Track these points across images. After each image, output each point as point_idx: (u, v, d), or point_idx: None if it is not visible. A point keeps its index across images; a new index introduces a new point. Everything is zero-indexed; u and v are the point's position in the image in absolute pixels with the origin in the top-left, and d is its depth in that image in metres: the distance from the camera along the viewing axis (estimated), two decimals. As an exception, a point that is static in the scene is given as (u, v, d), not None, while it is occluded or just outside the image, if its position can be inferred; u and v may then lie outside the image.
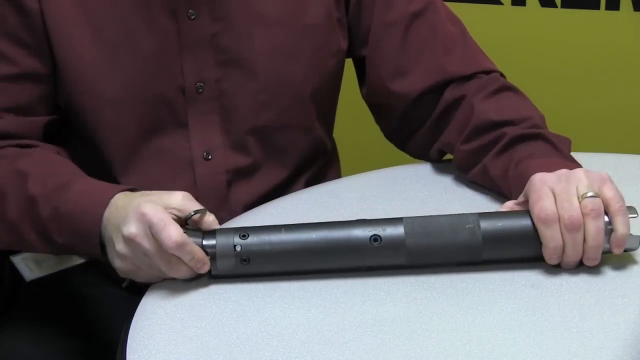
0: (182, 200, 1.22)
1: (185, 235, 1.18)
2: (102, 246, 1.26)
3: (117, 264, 1.23)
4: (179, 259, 1.19)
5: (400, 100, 1.51)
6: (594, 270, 1.23)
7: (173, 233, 1.18)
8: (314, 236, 1.21)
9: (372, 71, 1.52)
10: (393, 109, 1.53)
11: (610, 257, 1.24)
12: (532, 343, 1.11)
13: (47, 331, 1.48)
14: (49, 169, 1.33)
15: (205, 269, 1.20)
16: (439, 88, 1.49)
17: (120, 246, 1.21)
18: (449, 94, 1.48)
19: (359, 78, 1.57)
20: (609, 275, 1.23)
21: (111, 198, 1.25)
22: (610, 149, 1.64)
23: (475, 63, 1.51)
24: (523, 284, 1.21)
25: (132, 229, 1.19)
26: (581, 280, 1.21)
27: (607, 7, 2.23)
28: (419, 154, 1.55)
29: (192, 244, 1.19)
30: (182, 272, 1.20)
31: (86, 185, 1.29)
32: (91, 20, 1.40)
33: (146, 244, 1.19)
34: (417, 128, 1.52)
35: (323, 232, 1.22)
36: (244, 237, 1.19)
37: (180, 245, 1.18)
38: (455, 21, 1.54)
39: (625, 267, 1.24)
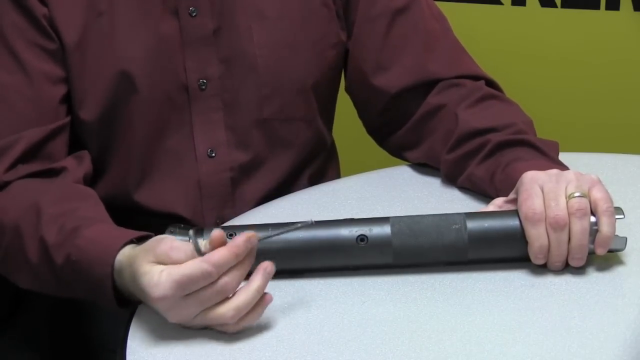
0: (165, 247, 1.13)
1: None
2: (122, 297, 1.20)
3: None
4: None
5: (380, 95, 1.51)
6: (594, 270, 1.23)
7: (191, 266, 1.09)
8: (300, 235, 1.21)
9: (354, 64, 1.53)
10: (373, 104, 1.53)
11: (611, 257, 1.24)
12: (532, 343, 1.11)
13: (49, 331, 1.48)
14: (65, 206, 1.29)
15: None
16: (420, 88, 1.49)
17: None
18: (431, 99, 1.49)
19: (343, 70, 1.57)
20: (609, 275, 1.23)
21: (118, 251, 1.18)
22: (609, 149, 1.64)
23: (458, 65, 1.51)
24: (523, 284, 1.22)
25: (172, 319, 1.12)
26: (581, 280, 1.21)
27: (607, 7, 2.23)
28: (397, 154, 1.56)
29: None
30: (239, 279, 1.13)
31: (96, 231, 1.23)
32: (96, 23, 1.40)
33: (198, 304, 1.11)
34: (396, 127, 1.53)
35: (310, 232, 1.22)
36: (231, 236, 1.18)
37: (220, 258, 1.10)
38: (440, 18, 1.55)
39: (624, 267, 1.24)
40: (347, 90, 1.58)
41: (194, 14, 1.42)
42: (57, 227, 1.25)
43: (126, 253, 1.18)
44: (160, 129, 1.44)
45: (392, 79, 1.50)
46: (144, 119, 1.43)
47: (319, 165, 1.57)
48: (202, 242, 1.13)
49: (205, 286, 1.10)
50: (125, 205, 1.45)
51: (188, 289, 1.09)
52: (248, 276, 1.13)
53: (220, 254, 1.10)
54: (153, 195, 1.46)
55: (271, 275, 1.13)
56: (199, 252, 1.11)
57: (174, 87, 1.43)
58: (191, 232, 1.16)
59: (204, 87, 1.44)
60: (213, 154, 1.46)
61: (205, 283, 1.10)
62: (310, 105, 1.51)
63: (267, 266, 1.13)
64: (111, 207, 1.32)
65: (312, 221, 1.17)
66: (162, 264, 1.12)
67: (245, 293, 1.11)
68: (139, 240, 1.20)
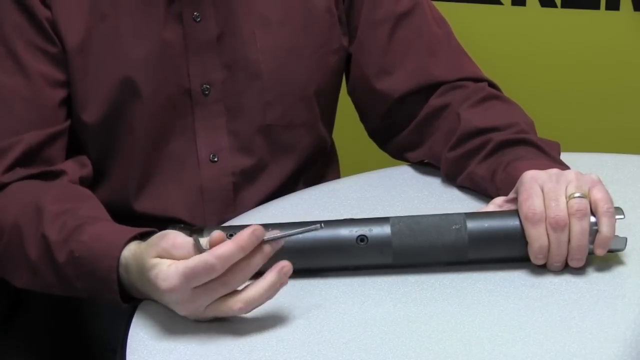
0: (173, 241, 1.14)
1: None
2: (125, 293, 1.21)
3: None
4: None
5: (383, 99, 1.51)
6: (595, 270, 1.23)
7: (194, 261, 1.11)
8: (300, 236, 1.21)
9: (357, 69, 1.53)
10: (376, 108, 1.53)
11: (611, 257, 1.24)
12: (532, 343, 1.11)
13: (48, 331, 1.48)
14: (67, 205, 1.29)
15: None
16: (423, 91, 1.50)
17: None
18: (434, 101, 1.49)
19: (345, 75, 1.57)
20: (609, 275, 1.23)
21: (124, 246, 1.19)
22: (610, 149, 1.64)
23: (460, 68, 1.51)
24: (523, 284, 1.22)
25: (182, 312, 1.14)
26: (581, 280, 1.21)
27: (607, 7, 2.23)
28: (399, 156, 1.56)
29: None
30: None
31: (100, 228, 1.24)
32: (99, 27, 1.40)
33: (206, 297, 1.12)
34: (398, 130, 1.53)
35: (310, 232, 1.21)
36: (231, 236, 1.18)
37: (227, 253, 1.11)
38: (441, 22, 1.55)
39: (624, 267, 1.24)
40: (350, 94, 1.58)
41: (198, 19, 1.42)
42: (59, 225, 1.25)
43: (131, 249, 1.19)
44: (162, 133, 1.44)
45: (395, 83, 1.50)
46: (146, 124, 1.43)
47: (319, 168, 1.57)
48: (204, 241, 1.13)
49: (212, 279, 1.11)
50: (126, 210, 1.45)
51: (194, 281, 1.11)
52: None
53: (225, 247, 1.10)
54: (154, 200, 1.46)
55: (287, 275, 1.13)
56: (200, 251, 1.12)
57: (177, 92, 1.43)
58: (194, 236, 1.16)
59: (207, 92, 1.44)
60: (215, 159, 1.46)
61: (210, 276, 1.10)
62: (313, 111, 1.51)
63: (284, 265, 1.13)
64: (112, 212, 1.32)
65: (321, 225, 1.17)
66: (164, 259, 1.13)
67: (256, 287, 1.12)
68: (143, 237, 1.20)
